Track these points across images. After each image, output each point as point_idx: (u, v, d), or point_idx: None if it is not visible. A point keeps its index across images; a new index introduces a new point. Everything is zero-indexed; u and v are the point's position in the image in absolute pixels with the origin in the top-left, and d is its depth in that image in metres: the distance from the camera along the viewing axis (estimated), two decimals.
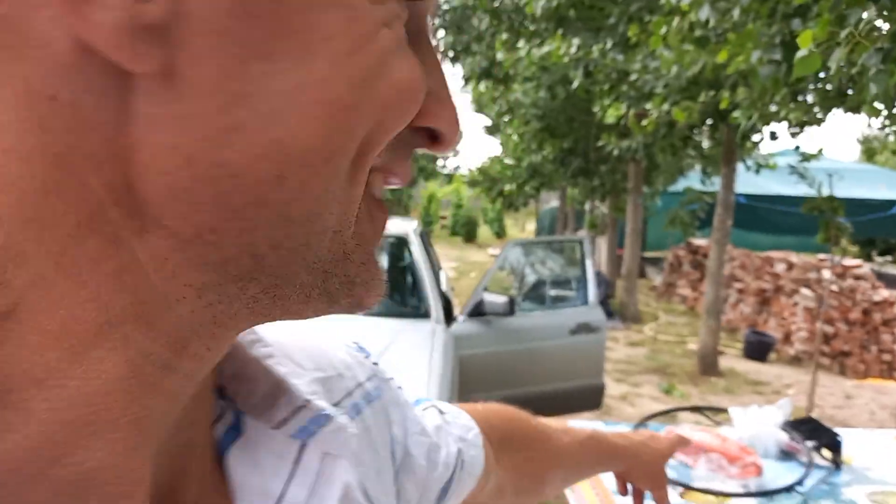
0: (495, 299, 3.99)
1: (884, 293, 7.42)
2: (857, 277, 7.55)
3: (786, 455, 2.25)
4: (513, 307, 3.94)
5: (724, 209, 6.62)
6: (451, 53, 14.80)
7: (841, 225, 5.08)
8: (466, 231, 25.33)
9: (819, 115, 5.18)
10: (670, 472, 2.10)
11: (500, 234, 26.48)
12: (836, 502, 1.92)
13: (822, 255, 7.93)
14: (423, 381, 2.81)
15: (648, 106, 4.75)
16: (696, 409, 2.55)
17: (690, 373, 6.66)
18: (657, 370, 6.76)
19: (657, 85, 5.74)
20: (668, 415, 2.51)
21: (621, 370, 6.60)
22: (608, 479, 2.22)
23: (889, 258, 16.48)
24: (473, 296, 4.02)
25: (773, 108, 3.99)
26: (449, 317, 3.95)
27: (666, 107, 4.55)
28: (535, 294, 4.76)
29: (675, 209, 8.33)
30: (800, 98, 4.27)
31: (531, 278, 5.12)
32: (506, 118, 11.71)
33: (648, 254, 15.30)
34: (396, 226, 4.55)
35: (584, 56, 6.63)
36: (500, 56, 9.28)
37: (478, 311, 3.98)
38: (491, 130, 23.95)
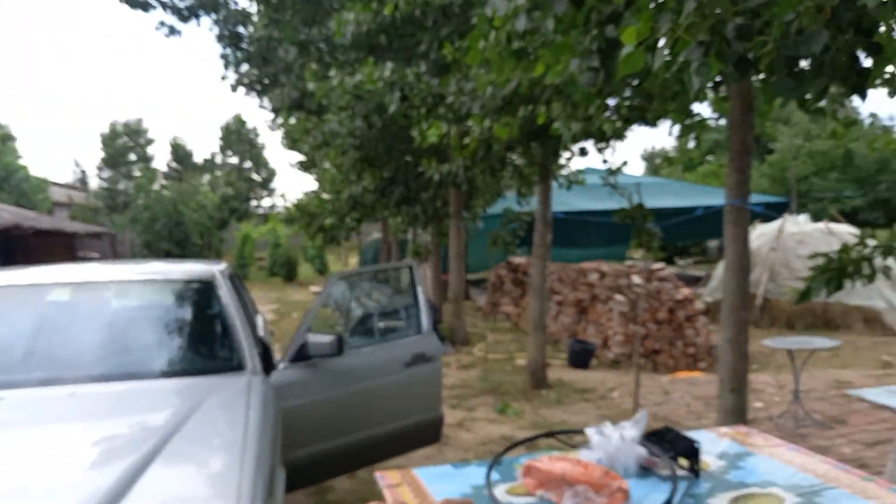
0: (320, 340, 3.57)
1: (685, 291, 8.07)
2: (662, 279, 8.15)
3: (645, 470, 2.11)
4: (341, 346, 3.54)
5: (544, 225, 6.78)
6: (257, 87, 14.10)
7: (651, 231, 5.35)
8: (286, 270, 24.28)
9: (624, 127, 5.45)
10: None
11: (322, 270, 25.76)
12: None
13: (629, 262, 8.50)
14: (238, 445, 2.34)
15: (470, 123, 4.66)
16: (550, 435, 2.35)
17: (522, 389, 6.68)
18: (491, 391, 6.69)
19: (473, 106, 5.73)
20: (524, 444, 2.28)
21: (456, 395, 6.44)
22: (435, 494, 1.94)
23: (689, 260, 18.44)
24: (295, 338, 3.57)
25: (591, 116, 4.05)
26: (268, 365, 3.47)
27: (487, 123, 4.48)
28: (365, 329, 4.40)
29: (497, 230, 8.47)
30: (609, 110, 4.39)
31: (359, 312, 4.76)
32: (322, 150, 11.31)
33: (471, 276, 15.65)
34: (200, 269, 3.97)
35: (398, 80, 6.49)
36: (311, 86, 8.92)
37: (302, 355, 3.54)
38: (305, 166, 23.33)
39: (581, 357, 7.68)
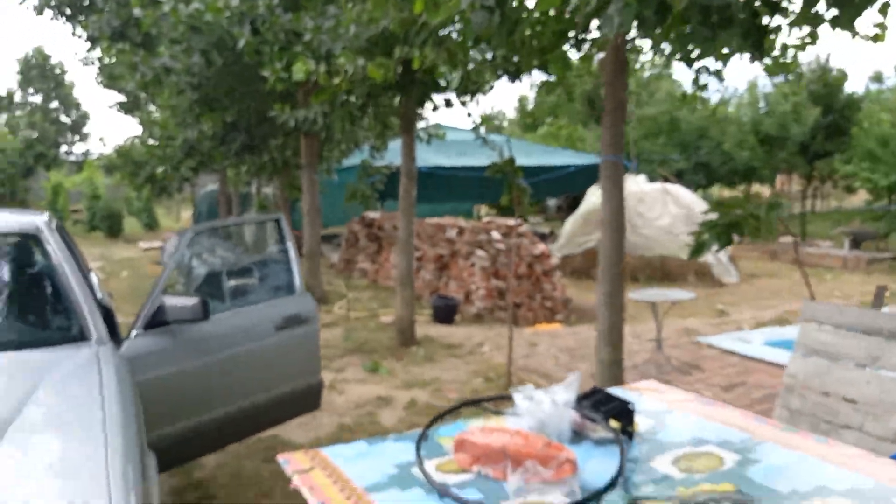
0: (180, 303, 3.09)
1: (541, 247, 8.27)
2: (520, 235, 8.27)
3: (577, 435, 1.99)
4: (206, 309, 3.08)
5: (408, 179, 6.52)
6: (68, 11, 12.23)
7: (522, 186, 5.29)
8: (108, 225, 21.90)
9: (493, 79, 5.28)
10: (475, 494, 1.65)
11: (152, 225, 23.63)
12: (654, 483, 1.68)
13: (487, 218, 8.54)
14: (98, 431, 1.91)
15: (341, 61, 4.22)
16: (475, 403, 2.15)
17: (390, 347, 6.49)
18: (356, 350, 6.44)
19: (335, 46, 5.26)
20: (452, 414, 2.05)
21: (321, 356, 6.11)
22: (355, 477, 1.68)
23: (540, 219, 19.16)
24: (150, 302, 3.05)
25: (471, 64, 3.80)
26: (114, 333, 2.93)
27: (361, 62, 4.08)
28: (228, 290, 3.92)
29: (355, 183, 8.07)
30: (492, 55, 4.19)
31: (218, 271, 4.24)
32: (152, 90, 10.07)
33: (321, 232, 15.06)
34: (19, 220, 3.27)
35: (248, 11, 5.80)
36: (136, 12, 7.83)
37: (158, 321, 3.04)
38: (127, 107, 20.93)
39: (446, 312, 7.64)
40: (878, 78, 23.42)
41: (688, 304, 8.37)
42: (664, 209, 10.80)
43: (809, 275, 11.43)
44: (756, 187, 22.17)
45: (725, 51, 2.95)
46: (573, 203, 19.10)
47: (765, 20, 2.84)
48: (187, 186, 21.52)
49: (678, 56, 3.17)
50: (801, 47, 3.92)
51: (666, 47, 2.89)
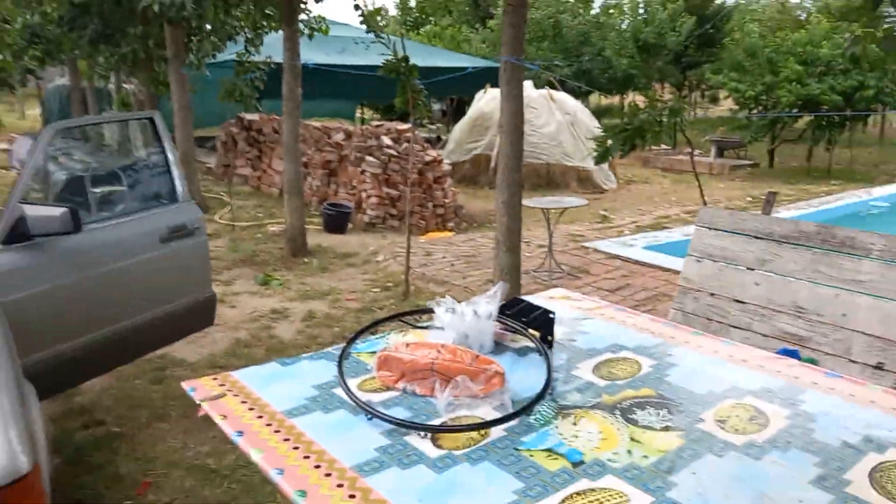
0: (45, 213, 2.73)
1: (432, 153, 8.14)
2: (409, 141, 8.06)
3: (497, 346, 1.97)
4: (76, 221, 2.74)
5: (293, 76, 6.08)
6: None
7: (417, 87, 5.07)
8: None
9: None
10: (403, 413, 1.59)
11: None
12: (579, 392, 1.69)
13: (377, 122, 8.22)
14: None
15: None
16: (397, 317, 2.05)
17: (280, 257, 6.25)
18: (245, 261, 6.15)
19: None
20: (370, 330, 1.95)
21: None
22: (272, 401, 1.58)
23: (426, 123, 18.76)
24: (7, 213, 2.66)
25: None
26: None
27: None
28: (100, 198, 3.50)
29: (231, 79, 7.41)
30: None
31: (86, 176, 3.78)
32: None
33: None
34: None
35: None
36: None
37: (19, 235, 2.67)
38: None
39: (338, 221, 7.41)
40: None
41: (572, 210, 8.68)
42: (550, 116, 10.92)
43: (682, 181, 12.20)
44: (631, 97, 22.98)
45: None
46: (458, 108, 18.93)
47: None
48: (32, 80, 19.06)
49: None
50: None
51: None
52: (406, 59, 5.08)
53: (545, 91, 11.56)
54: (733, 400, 1.62)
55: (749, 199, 9.91)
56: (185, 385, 1.73)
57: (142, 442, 2.95)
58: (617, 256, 5.91)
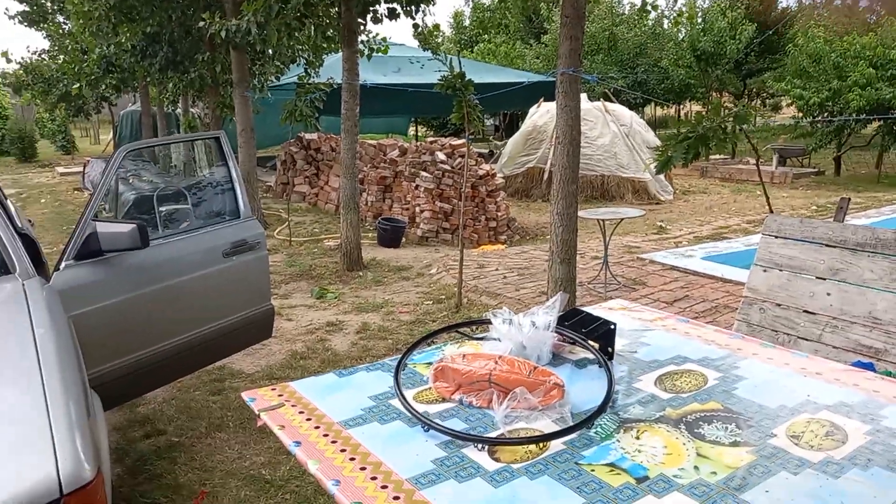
0: (115, 230, 2.83)
1: (485, 167, 8.13)
2: (463, 156, 8.09)
3: (556, 358, 1.92)
4: (144, 236, 2.83)
5: (351, 96, 6.19)
6: None
7: (472, 103, 5.09)
8: (20, 149, 20.40)
9: None
10: (460, 425, 1.56)
11: (68, 148, 22.11)
12: (641, 405, 1.63)
13: (431, 137, 8.27)
14: (34, 371, 1.74)
15: None
16: (454, 328, 2.04)
17: (336, 271, 6.33)
18: (302, 275, 6.25)
19: None
20: (427, 341, 1.95)
21: None
22: (329, 412, 1.57)
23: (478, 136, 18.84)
24: (79, 229, 2.77)
25: None
26: (40, 265, 2.67)
27: None
28: (168, 215, 3.63)
29: (292, 101, 7.60)
30: None
31: (153, 195, 3.92)
32: None
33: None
34: None
35: None
36: None
37: (91, 251, 2.78)
38: (32, 18, 19.04)
39: (392, 235, 7.48)
40: None
41: (627, 221, 8.51)
42: (605, 128, 10.78)
43: (742, 191, 11.84)
44: (687, 106, 22.50)
45: None
46: (511, 123, 18.91)
47: None
48: (106, 107, 20.06)
49: None
50: None
51: None
52: (462, 75, 5.11)
53: (600, 103, 11.43)
54: (808, 415, 1.53)
55: (815, 207, 9.52)
56: (245, 395, 1.75)
57: (200, 452, 3.01)
58: (675, 268, 5.75)
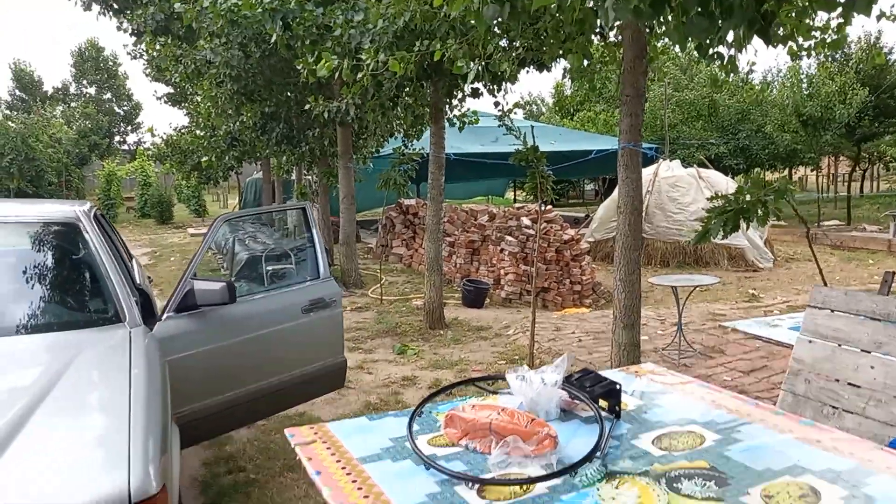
0: (209, 287, 3.27)
1: (570, 232, 8.29)
2: (549, 221, 8.30)
3: (566, 413, 2.08)
4: (233, 293, 3.26)
5: (437, 167, 6.63)
6: (115, 5, 12.64)
7: (545, 173, 5.34)
8: (159, 212, 22.72)
9: (518, 69, 5.34)
10: (460, 466, 1.77)
11: (200, 212, 24.33)
12: (632, 459, 1.76)
13: (518, 204, 8.58)
14: (122, 404, 2.09)
15: (363, 57, 4.35)
16: (470, 382, 2.26)
17: (419, 329, 6.64)
18: (388, 332, 6.61)
19: (363, 40, 5.38)
20: (447, 392, 2.17)
21: (353, 337, 6.31)
22: (352, 449, 1.80)
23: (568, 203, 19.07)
24: (180, 286, 3.24)
25: (490, 55, 3.88)
26: (149, 316, 3.14)
27: (382, 57, 4.19)
28: (256, 274, 4.11)
29: (388, 171, 8.22)
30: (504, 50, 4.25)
31: (247, 256, 4.44)
32: (194, 81, 10.40)
33: (358, 217, 15.30)
34: (59, 210, 3.51)
35: (280, 6, 5.95)
36: (178, 7, 8.07)
37: (188, 305, 3.23)
38: (175, 99, 21.54)
39: (475, 296, 7.75)
40: None
41: (718, 288, 8.30)
42: (698, 194, 10.65)
43: (853, 259, 11.20)
44: (801, 171, 21.54)
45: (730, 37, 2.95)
46: (609, 187, 18.91)
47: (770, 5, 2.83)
48: (233, 174, 22.07)
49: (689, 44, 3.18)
50: (825, 29, 3.87)
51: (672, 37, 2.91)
52: (535, 147, 5.40)
53: (694, 169, 11.33)
54: (789, 477, 1.60)
55: None
56: (287, 431, 2.04)
57: (272, 489, 3.32)
58: (758, 337, 5.59)
